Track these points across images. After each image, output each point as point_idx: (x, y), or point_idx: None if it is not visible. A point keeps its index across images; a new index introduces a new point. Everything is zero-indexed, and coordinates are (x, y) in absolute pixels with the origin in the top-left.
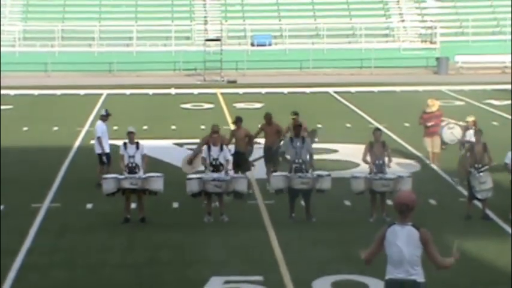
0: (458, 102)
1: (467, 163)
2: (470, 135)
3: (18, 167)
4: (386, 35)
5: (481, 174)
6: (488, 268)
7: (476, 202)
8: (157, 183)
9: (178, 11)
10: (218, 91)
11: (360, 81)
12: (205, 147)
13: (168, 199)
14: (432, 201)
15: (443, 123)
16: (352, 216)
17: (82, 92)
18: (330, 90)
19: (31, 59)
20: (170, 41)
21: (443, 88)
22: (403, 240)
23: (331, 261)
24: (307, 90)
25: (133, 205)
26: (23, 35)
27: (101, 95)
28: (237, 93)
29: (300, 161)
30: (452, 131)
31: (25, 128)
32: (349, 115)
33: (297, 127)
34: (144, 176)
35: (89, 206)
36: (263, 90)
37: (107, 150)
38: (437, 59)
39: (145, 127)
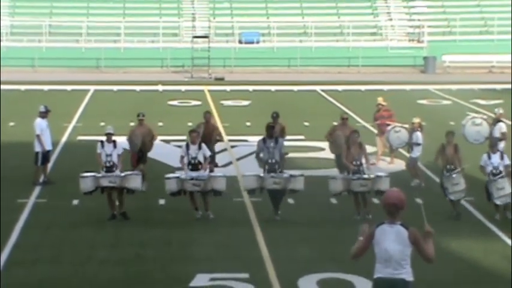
0: (445, 102)
1: (440, 164)
2: (417, 137)
3: (4, 162)
4: (374, 34)
5: (454, 175)
6: (475, 267)
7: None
8: (135, 181)
9: (166, 7)
10: (205, 88)
11: (347, 79)
12: (183, 145)
13: (154, 196)
14: (418, 200)
15: (389, 127)
16: (338, 215)
17: (69, 87)
18: (318, 88)
19: (18, 54)
20: (158, 37)
21: (430, 87)
22: (392, 239)
23: (317, 259)
24: (295, 88)
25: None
26: (10, 30)
27: (88, 91)
28: (225, 91)
29: (273, 161)
30: (398, 135)
31: (11, 123)
32: (336, 113)
33: (270, 128)
34: (122, 174)
35: (75, 202)
36: (251, 88)
37: (48, 147)
38: (425, 58)
39: (132, 123)
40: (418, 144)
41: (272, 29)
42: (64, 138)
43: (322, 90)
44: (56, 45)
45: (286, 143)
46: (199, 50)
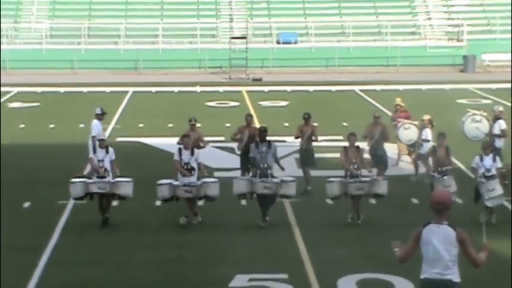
0: (485, 101)
1: (431, 166)
2: (427, 134)
3: (45, 164)
4: (412, 33)
5: (445, 178)
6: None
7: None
8: (126, 188)
9: (204, 8)
10: (243, 89)
11: (386, 79)
12: (176, 151)
13: None
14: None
15: (398, 124)
16: (376, 215)
17: (108, 89)
18: (356, 88)
19: (58, 56)
20: (196, 38)
21: (469, 86)
22: (440, 240)
23: (356, 260)
24: (333, 88)
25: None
26: (50, 33)
27: (126, 92)
28: (262, 91)
29: (265, 165)
30: (407, 132)
31: (52, 126)
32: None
33: (262, 132)
34: (112, 181)
35: (115, 203)
36: (288, 88)
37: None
38: (464, 57)
39: (170, 125)
40: (427, 141)
41: (310, 29)
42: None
43: (361, 90)
44: (95, 47)
45: (324, 143)
46: (237, 51)
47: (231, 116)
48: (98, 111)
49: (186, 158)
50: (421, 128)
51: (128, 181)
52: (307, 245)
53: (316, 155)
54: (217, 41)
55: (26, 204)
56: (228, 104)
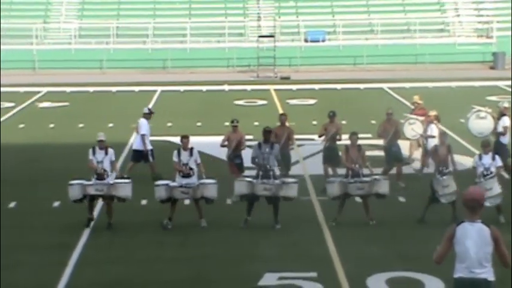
0: None
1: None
2: (432, 129)
3: (75, 163)
4: (441, 30)
5: (444, 177)
6: None
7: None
8: (124, 189)
9: (231, 7)
10: (271, 87)
11: (415, 77)
12: (175, 152)
13: (222, 196)
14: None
15: (403, 120)
16: (406, 213)
17: (136, 88)
18: (384, 86)
19: (87, 56)
20: (224, 37)
21: (500, 83)
22: (474, 238)
23: (386, 258)
24: (361, 86)
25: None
26: (79, 33)
27: (155, 91)
28: (291, 90)
29: (268, 167)
30: (413, 127)
31: (81, 125)
32: (403, 111)
33: (266, 133)
34: (111, 182)
35: (144, 202)
36: (316, 87)
37: (150, 147)
38: (494, 54)
39: (198, 124)
40: (433, 137)
41: (338, 27)
42: (132, 139)
43: (389, 88)
44: (123, 47)
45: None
46: (264, 50)
47: (259, 115)
48: (146, 110)
49: (184, 159)
50: (427, 124)
51: (126, 182)
52: (336, 243)
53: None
54: (245, 40)
55: (56, 204)
56: (256, 102)
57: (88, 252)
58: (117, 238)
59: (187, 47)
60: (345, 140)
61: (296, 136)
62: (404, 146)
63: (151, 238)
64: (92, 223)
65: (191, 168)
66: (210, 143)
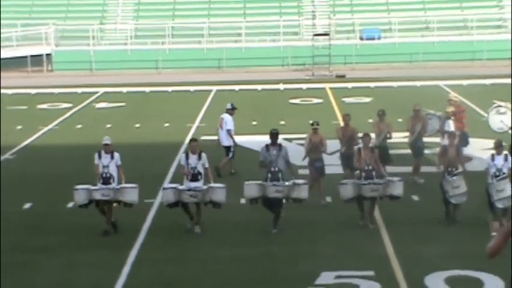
0: None
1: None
2: (449, 125)
3: (131, 163)
4: (499, 27)
5: (454, 178)
6: None
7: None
8: (130, 194)
9: (286, 6)
10: (327, 86)
11: (472, 73)
12: (183, 155)
13: None
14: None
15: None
16: (465, 213)
17: (192, 88)
18: (441, 83)
19: (142, 56)
20: (278, 36)
21: None
22: None
23: (444, 257)
24: (417, 83)
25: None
26: (135, 33)
27: (210, 91)
28: (346, 88)
29: (276, 169)
30: (430, 122)
31: (137, 125)
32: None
33: (273, 135)
34: (117, 187)
35: None
36: (372, 85)
37: (235, 142)
38: None
39: (254, 123)
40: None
41: (393, 25)
42: (187, 139)
43: (446, 85)
44: (178, 47)
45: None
46: (320, 48)
47: (315, 113)
48: (229, 106)
49: (193, 163)
50: (444, 119)
51: (132, 187)
52: (394, 242)
53: (397, 152)
54: (300, 39)
55: (114, 204)
56: (311, 101)
57: (145, 251)
58: (173, 238)
59: (243, 46)
60: (399, 137)
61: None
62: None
63: (208, 238)
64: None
65: (199, 172)
66: (266, 142)
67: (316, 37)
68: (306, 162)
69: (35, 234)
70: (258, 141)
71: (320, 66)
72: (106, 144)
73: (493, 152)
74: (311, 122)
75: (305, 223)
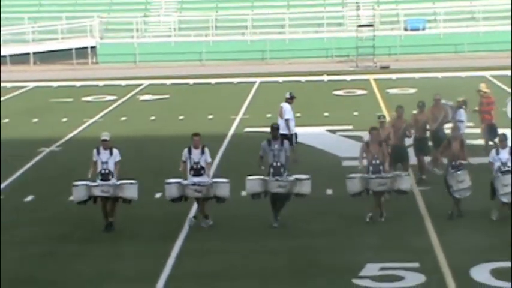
0: None
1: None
2: (460, 114)
3: (175, 155)
4: None
5: (459, 172)
6: None
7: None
8: (130, 190)
9: None
10: (371, 77)
11: None
12: (185, 150)
13: (322, 187)
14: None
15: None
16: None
17: (235, 80)
18: (486, 74)
19: (186, 48)
20: (322, 27)
21: None
22: None
23: (490, 248)
24: (463, 74)
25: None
26: (179, 25)
27: (254, 83)
28: (390, 79)
29: (278, 164)
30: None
31: (181, 117)
32: (505, 98)
33: (274, 129)
34: (117, 183)
35: (244, 193)
36: (417, 76)
37: (294, 131)
38: None
39: (298, 114)
40: (461, 121)
41: (438, 15)
42: (231, 131)
43: (492, 76)
44: (222, 39)
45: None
46: (364, 39)
47: (359, 105)
48: (287, 95)
49: (195, 158)
50: (456, 108)
51: (132, 183)
52: (439, 233)
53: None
54: (344, 30)
55: (158, 195)
56: (355, 92)
57: (189, 243)
58: (217, 229)
59: (286, 37)
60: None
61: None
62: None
63: (251, 229)
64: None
65: (202, 167)
66: (310, 134)
67: (360, 28)
68: (349, 154)
69: (81, 226)
70: (301, 133)
71: (364, 58)
72: (104, 140)
73: (498, 145)
74: (378, 115)
75: (348, 215)
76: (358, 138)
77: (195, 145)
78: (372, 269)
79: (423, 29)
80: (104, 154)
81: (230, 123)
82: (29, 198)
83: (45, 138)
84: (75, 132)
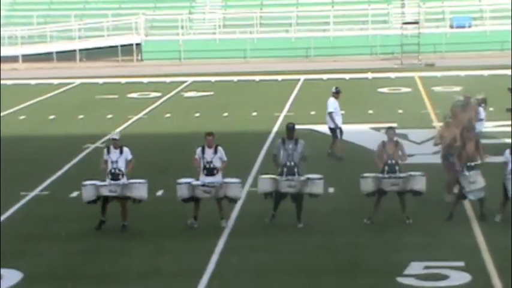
0: None
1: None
2: (480, 112)
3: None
4: None
5: (471, 173)
6: None
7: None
8: (139, 190)
9: None
10: (416, 75)
11: None
12: (198, 149)
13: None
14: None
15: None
16: None
17: (279, 77)
18: None
19: (230, 45)
20: (367, 25)
21: None
22: None
23: None
24: (508, 72)
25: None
26: (223, 23)
27: (298, 80)
28: (435, 77)
29: (292, 164)
30: None
31: (225, 114)
32: None
33: (290, 130)
34: (126, 183)
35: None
36: (462, 73)
37: (340, 124)
38: None
39: (342, 112)
40: (480, 120)
41: (484, 12)
42: (275, 128)
43: None
44: (266, 36)
45: (496, 129)
46: (408, 36)
47: (403, 103)
48: (333, 89)
49: (208, 157)
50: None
51: (141, 183)
52: (485, 233)
53: (489, 141)
54: (389, 27)
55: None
56: (400, 90)
57: (233, 239)
58: (261, 226)
59: (330, 35)
60: (490, 126)
61: (439, 124)
62: None
63: (295, 226)
64: (103, 225)
65: (215, 167)
66: (354, 131)
67: (405, 25)
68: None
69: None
70: (345, 130)
71: (409, 55)
72: (114, 139)
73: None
74: (444, 115)
75: (393, 213)
76: (403, 136)
77: (209, 144)
78: (416, 267)
79: (469, 26)
80: (114, 153)
81: (274, 120)
82: (75, 194)
83: (91, 135)
84: (120, 129)
